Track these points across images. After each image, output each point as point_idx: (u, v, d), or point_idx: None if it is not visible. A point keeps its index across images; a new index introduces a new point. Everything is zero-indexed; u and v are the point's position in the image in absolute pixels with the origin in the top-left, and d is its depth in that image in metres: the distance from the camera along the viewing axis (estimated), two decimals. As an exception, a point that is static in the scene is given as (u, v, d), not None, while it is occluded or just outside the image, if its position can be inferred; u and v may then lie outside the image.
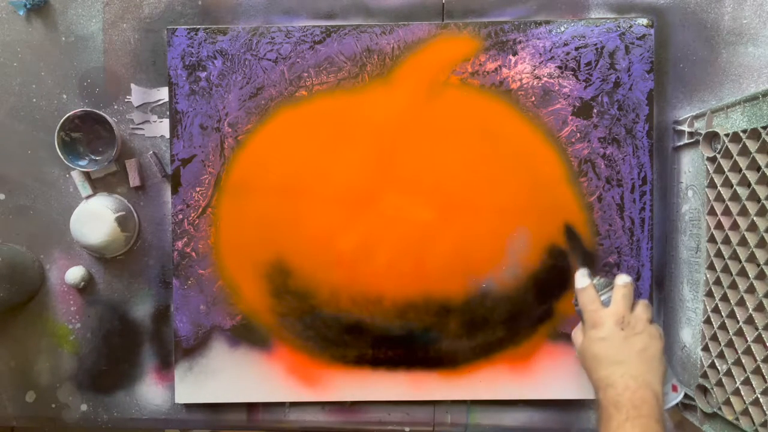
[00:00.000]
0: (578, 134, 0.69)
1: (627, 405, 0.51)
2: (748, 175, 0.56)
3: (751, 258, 0.56)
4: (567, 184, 0.69)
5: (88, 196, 0.71)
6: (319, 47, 0.69)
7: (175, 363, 0.70)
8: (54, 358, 0.72)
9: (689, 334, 0.66)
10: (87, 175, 0.71)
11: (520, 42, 0.68)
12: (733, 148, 0.58)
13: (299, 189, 0.69)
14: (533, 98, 0.69)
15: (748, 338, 0.56)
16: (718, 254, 0.60)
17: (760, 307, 0.54)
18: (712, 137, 0.62)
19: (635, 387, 0.52)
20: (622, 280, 0.59)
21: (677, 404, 0.64)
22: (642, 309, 0.58)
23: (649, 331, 0.57)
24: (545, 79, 0.68)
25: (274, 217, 0.69)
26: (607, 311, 0.57)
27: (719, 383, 0.60)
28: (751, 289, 0.56)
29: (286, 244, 0.69)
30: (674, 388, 0.60)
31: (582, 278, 0.61)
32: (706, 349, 0.62)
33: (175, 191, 0.69)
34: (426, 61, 0.69)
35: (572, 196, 0.69)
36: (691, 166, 0.66)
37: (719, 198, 0.60)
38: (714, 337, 0.61)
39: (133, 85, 0.71)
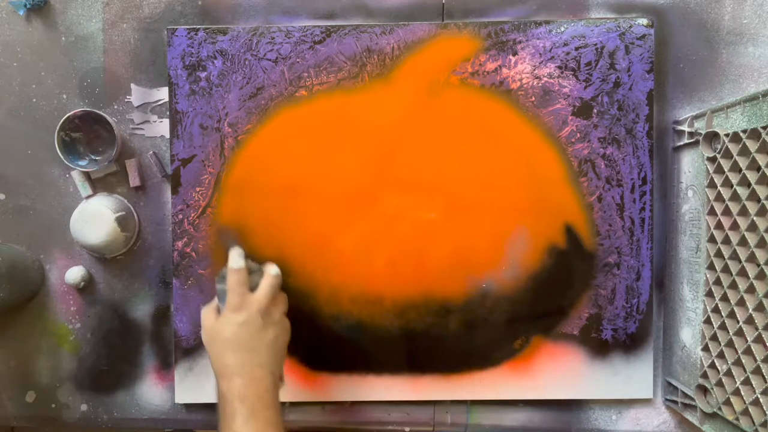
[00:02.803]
0: (578, 134, 0.69)
1: (252, 397, 0.50)
2: (748, 175, 0.56)
3: (751, 258, 0.56)
4: (567, 184, 0.69)
5: (88, 196, 0.71)
6: (319, 47, 0.69)
7: (175, 363, 0.70)
8: (54, 358, 0.72)
9: (689, 334, 0.66)
10: (87, 175, 0.71)
11: (520, 42, 0.68)
12: (733, 148, 0.58)
13: (299, 189, 0.69)
14: (533, 98, 0.69)
15: (748, 338, 0.56)
16: (718, 254, 0.60)
17: (760, 307, 0.54)
18: (712, 137, 0.62)
19: (261, 376, 0.51)
20: (274, 270, 0.58)
21: (669, 400, 0.63)
22: (282, 300, 0.58)
23: (282, 323, 0.56)
24: (545, 79, 0.68)
25: (274, 217, 0.69)
26: (253, 297, 0.56)
27: (719, 383, 0.60)
28: (751, 289, 0.56)
29: (286, 244, 0.69)
30: (281, 378, 0.58)
31: (237, 258, 0.58)
32: (706, 349, 0.62)
33: (175, 191, 0.69)
34: (426, 61, 0.69)
35: (572, 196, 0.69)
36: (691, 166, 0.66)
37: (719, 198, 0.60)
38: (714, 337, 0.61)
39: (133, 85, 0.71)
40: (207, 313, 0.58)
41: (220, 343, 0.54)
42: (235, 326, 0.54)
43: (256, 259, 0.62)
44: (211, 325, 0.56)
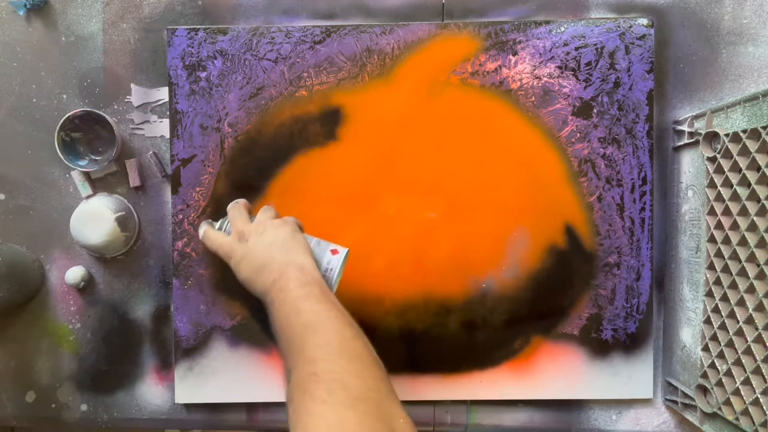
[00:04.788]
0: (578, 134, 0.69)
1: (276, 294, 0.51)
2: (748, 175, 0.56)
3: (751, 258, 0.56)
4: (567, 184, 0.69)
5: (88, 196, 0.71)
6: (319, 47, 0.69)
7: (175, 363, 0.70)
8: (54, 358, 0.72)
9: (689, 334, 0.66)
10: (87, 175, 0.71)
11: (520, 42, 0.68)
12: (733, 148, 0.58)
13: (299, 189, 0.69)
14: (533, 98, 0.69)
15: (748, 338, 0.56)
16: (718, 254, 0.60)
17: (760, 307, 0.54)
18: (712, 137, 0.62)
19: (278, 274, 0.52)
20: (229, 205, 0.60)
21: None
22: (260, 213, 0.59)
23: (271, 225, 0.56)
24: (545, 79, 0.68)
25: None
26: (230, 238, 0.58)
27: (719, 383, 0.60)
28: (751, 289, 0.56)
29: (286, 244, 0.69)
30: (334, 252, 0.58)
31: (201, 229, 0.61)
32: (706, 349, 0.62)
33: (175, 191, 0.69)
34: (426, 61, 0.69)
35: (572, 196, 0.69)
36: (691, 166, 0.66)
37: (719, 198, 0.60)
38: (714, 337, 0.61)
39: (133, 85, 0.71)
40: (236, 251, 0.59)
41: (246, 284, 0.56)
42: (239, 267, 0.56)
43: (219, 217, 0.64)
44: (236, 262, 0.57)
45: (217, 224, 0.62)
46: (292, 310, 0.49)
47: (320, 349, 0.46)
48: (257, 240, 0.56)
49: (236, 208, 0.61)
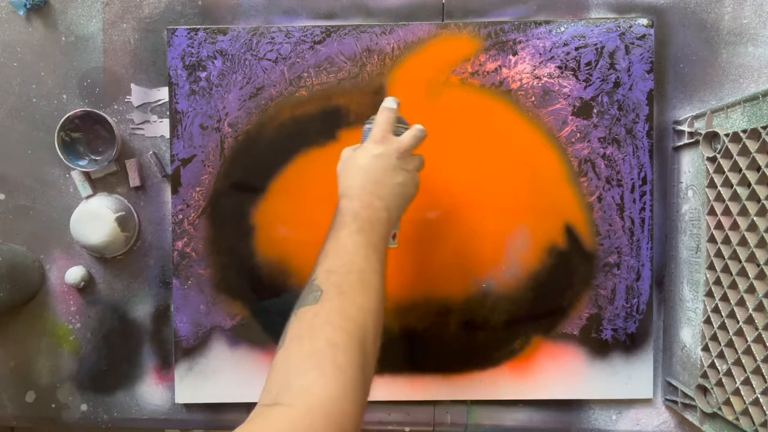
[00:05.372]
0: (578, 134, 0.69)
1: (364, 218, 0.51)
2: (748, 175, 0.56)
3: (751, 258, 0.56)
4: (567, 184, 0.69)
5: (88, 196, 0.71)
6: (319, 47, 0.69)
7: (175, 363, 0.70)
8: (54, 358, 0.72)
9: (689, 334, 0.66)
10: (87, 175, 0.71)
11: (520, 42, 0.68)
12: (733, 148, 0.58)
13: (299, 189, 0.69)
14: (533, 98, 0.69)
15: (748, 338, 0.56)
16: (718, 254, 0.60)
17: (760, 307, 0.54)
18: (712, 137, 0.62)
19: (379, 207, 0.52)
20: (419, 126, 0.58)
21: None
22: (419, 158, 0.58)
23: (414, 177, 0.56)
24: (545, 79, 0.68)
25: (275, 218, 0.69)
26: (395, 138, 0.57)
27: (719, 383, 0.60)
28: (751, 289, 0.56)
29: (286, 244, 0.69)
30: (394, 236, 0.58)
31: (392, 101, 0.59)
32: (706, 349, 0.62)
33: (175, 191, 0.69)
34: (426, 61, 0.69)
35: (572, 196, 0.69)
36: (691, 166, 0.66)
37: (719, 198, 0.60)
38: (714, 337, 0.61)
39: (133, 85, 0.71)
40: (346, 149, 0.58)
41: (351, 167, 0.55)
42: (371, 156, 0.55)
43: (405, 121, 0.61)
44: (348, 155, 0.57)
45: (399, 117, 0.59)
46: (362, 248, 0.50)
47: (361, 313, 0.46)
48: (404, 165, 0.55)
49: (421, 133, 0.57)
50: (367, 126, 0.59)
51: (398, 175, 0.54)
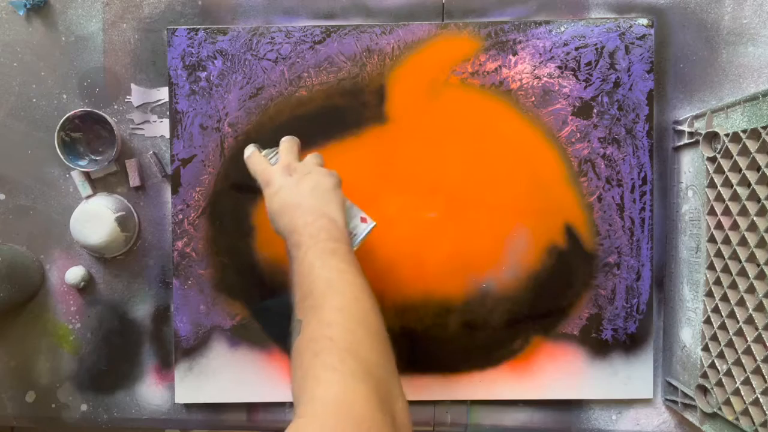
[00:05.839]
0: (578, 134, 0.69)
1: (306, 240, 0.50)
2: (748, 175, 0.56)
3: (751, 258, 0.56)
4: (567, 184, 0.69)
5: (88, 196, 0.71)
6: (319, 47, 0.69)
7: (175, 363, 0.70)
8: (54, 358, 0.72)
9: (689, 334, 0.66)
10: (87, 175, 0.71)
11: (520, 42, 0.68)
12: (733, 148, 0.58)
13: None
14: (533, 98, 0.69)
15: (748, 338, 0.56)
16: (718, 254, 0.60)
17: (760, 307, 0.54)
18: (712, 137, 0.62)
19: (312, 220, 0.52)
20: (284, 139, 0.59)
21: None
22: (310, 157, 0.58)
23: (317, 171, 0.56)
24: (545, 79, 0.69)
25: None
26: (274, 167, 0.57)
27: (719, 383, 0.60)
28: (751, 289, 0.56)
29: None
30: (363, 220, 0.57)
31: (248, 149, 0.60)
32: (706, 349, 0.62)
33: (175, 191, 0.69)
34: (426, 61, 0.69)
35: (572, 196, 0.69)
36: (691, 166, 0.66)
37: (719, 198, 0.60)
38: (714, 337, 0.61)
39: (133, 85, 0.71)
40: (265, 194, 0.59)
41: (274, 216, 0.55)
42: (274, 197, 0.55)
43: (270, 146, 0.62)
44: (270, 199, 0.57)
45: (264, 152, 0.60)
46: (317, 260, 0.49)
47: (339, 313, 0.45)
48: (301, 178, 0.55)
49: (290, 141, 0.59)
50: (268, 156, 0.60)
51: (304, 184, 0.54)
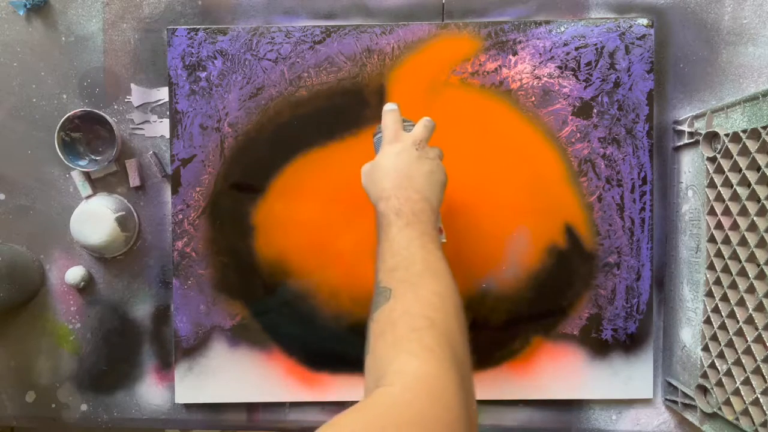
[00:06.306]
0: (578, 134, 0.69)
1: (407, 213, 0.51)
2: (748, 175, 0.56)
3: (751, 258, 0.56)
4: (567, 184, 0.69)
5: (88, 196, 0.71)
6: (319, 47, 0.69)
7: (175, 363, 0.70)
8: (54, 358, 0.72)
9: (689, 334, 0.66)
10: (87, 175, 0.71)
11: (520, 42, 0.68)
12: (733, 148, 0.58)
13: (299, 189, 0.69)
14: (533, 98, 0.69)
15: (748, 338, 0.56)
16: (718, 254, 0.60)
17: (760, 307, 0.54)
18: (712, 137, 0.62)
19: (417, 199, 0.52)
20: (427, 118, 0.59)
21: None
22: (439, 149, 0.59)
23: (438, 163, 0.56)
24: (545, 79, 0.68)
25: (274, 218, 0.69)
26: (407, 133, 0.57)
27: (719, 383, 0.60)
28: (751, 289, 0.56)
29: (286, 244, 0.69)
30: (440, 230, 0.58)
31: (393, 105, 0.59)
32: (706, 349, 0.62)
33: (175, 191, 0.69)
34: (426, 61, 0.69)
35: (572, 196, 0.69)
36: (691, 166, 0.66)
37: (719, 198, 0.60)
38: (714, 337, 0.61)
39: (133, 85, 0.71)
40: (365, 165, 0.59)
41: (377, 173, 0.55)
42: (392, 156, 0.55)
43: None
44: (369, 167, 0.57)
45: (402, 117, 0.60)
46: (417, 240, 0.49)
47: (439, 299, 0.45)
48: (424, 158, 0.55)
49: (430, 123, 0.58)
50: (377, 136, 0.60)
51: (424, 164, 0.54)
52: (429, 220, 0.51)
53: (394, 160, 0.54)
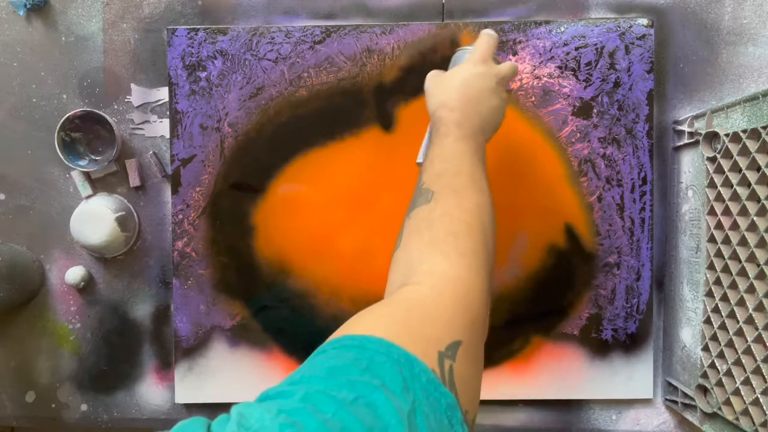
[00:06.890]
0: (578, 134, 0.69)
1: (467, 128, 0.51)
2: (748, 175, 0.56)
3: (751, 258, 0.56)
4: (567, 184, 0.69)
5: (88, 196, 0.71)
6: (319, 47, 0.69)
7: (175, 363, 0.70)
8: (54, 358, 0.72)
9: (689, 334, 0.66)
10: (87, 175, 0.71)
11: (520, 42, 0.68)
12: (733, 148, 0.58)
13: (299, 189, 0.69)
14: (533, 98, 0.69)
15: (748, 338, 0.56)
16: (718, 254, 0.60)
17: (760, 307, 0.54)
18: (712, 137, 0.62)
19: (477, 123, 0.52)
20: (514, 63, 0.59)
21: (667, 400, 0.64)
22: (510, 95, 0.59)
23: (504, 107, 0.57)
24: (545, 79, 0.68)
25: (274, 218, 0.69)
26: (495, 64, 0.57)
27: (719, 383, 0.60)
28: (751, 289, 0.56)
29: (286, 244, 0.69)
30: None
31: (492, 31, 0.59)
32: (706, 349, 0.62)
33: (175, 191, 0.69)
34: (426, 61, 0.68)
35: (572, 196, 0.69)
36: (691, 166, 0.66)
37: (719, 198, 0.60)
38: (714, 337, 0.61)
39: (133, 85, 0.71)
40: (432, 72, 0.58)
41: (449, 80, 0.54)
42: (472, 73, 0.54)
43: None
44: (439, 72, 0.57)
45: None
46: (471, 155, 0.50)
47: (478, 209, 0.46)
48: (501, 92, 0.55)
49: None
50: (459, 51, 0.59)
51: (494, 98, 0.54)
52: (482, 145, 0.52)
53: (474, 80, 0.54)
